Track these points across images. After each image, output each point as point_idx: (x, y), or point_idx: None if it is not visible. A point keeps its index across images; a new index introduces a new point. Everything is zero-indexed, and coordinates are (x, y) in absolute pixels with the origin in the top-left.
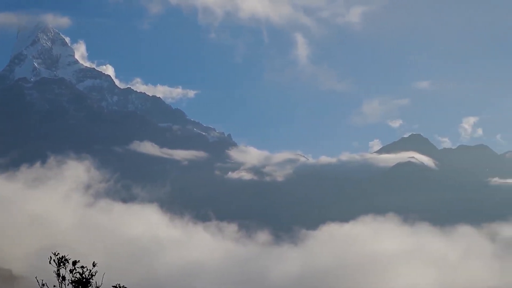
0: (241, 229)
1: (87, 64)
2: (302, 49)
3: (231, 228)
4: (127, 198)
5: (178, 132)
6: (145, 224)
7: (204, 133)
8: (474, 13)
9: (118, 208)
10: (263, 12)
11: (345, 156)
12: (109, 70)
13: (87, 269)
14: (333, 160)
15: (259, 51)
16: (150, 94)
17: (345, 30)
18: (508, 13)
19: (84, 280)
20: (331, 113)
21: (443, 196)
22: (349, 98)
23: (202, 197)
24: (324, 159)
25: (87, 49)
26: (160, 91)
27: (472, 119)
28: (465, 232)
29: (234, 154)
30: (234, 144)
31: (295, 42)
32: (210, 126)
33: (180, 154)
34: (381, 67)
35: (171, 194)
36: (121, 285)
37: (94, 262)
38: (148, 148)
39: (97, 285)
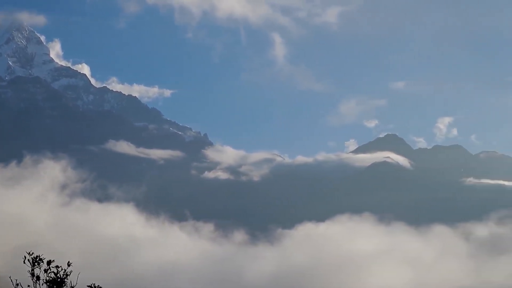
0: (217, 229)
1: (63, 63)
2: (279, 49)
3: (208, 227)
4: (103, 197)
5: (154, 131)
6: (121, 224)
7: (180, 133)
8: (449, 14)
9: (94, 207)
10: (240, 12)
11: (321, 156)
12: (84, 69)
13: (61, 269)
14: (309, 160)
15: (237, 51)
16: (126, 93)
17: (322, 30)
18: (483, 14)
19: (58, 280)
20: (308, 113)
21: (418, 196)
22: (326, 98)
23: (178, 196)
24: (300, 159)
25: (63, 48)
26: (136, 90)
27: (447, 120)
28: (440, 232)
29: (211, 153)
30: (210, 144)
31: (272, 42)
32: (186, 125)
33: (156, 153)
34: (358, 67)
35: (147, 194)
36: (96, 285)
37: (69, 261)
38: (124, 147)
39: (72, 285)
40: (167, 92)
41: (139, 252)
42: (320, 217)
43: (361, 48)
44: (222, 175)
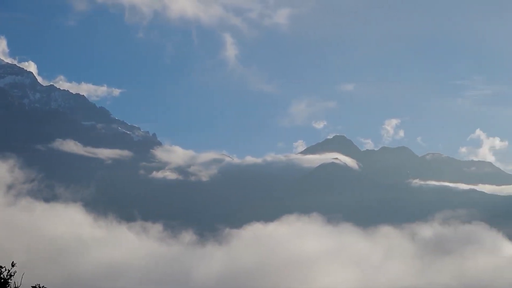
0: (166, 229)
1: (8, 60)
2: (231, 49)
3: (156, 228)
4: (50, 197)
5: (103, 130)
6: (68, 224)
7: (129, 132)
8: (399, 18)
9: (41, 207)
10: (192, 12)
11: (270, 157)
12: (31, 67)
13: (5, 269)
14: (258, 160)
15: (188, 51)
16: (74, 92)
17: (273, 32)
18: (432, 18)
19: (2, 280)
20: (258, 114)
21: (365, 197)
22: (277, 99)
23: (126, 196)
24: (249, 159)
25: (8, 45)
26: (84, 89)
27: (394, 121)
28: (387, 232)
29: (159, 153)
30: (159, 144)
31: (224, 42)
32: (135, 125)
33: (104, 153)
34: (309, 69)
35: (95, 194)
36: (40, 285)
37: (13, 262)
38: (72, 146)
39: (16, 286)
40: (116, 91)
41: (86, 252)
42: (269, 217)
43: (311, 50)
44: (171, 175)
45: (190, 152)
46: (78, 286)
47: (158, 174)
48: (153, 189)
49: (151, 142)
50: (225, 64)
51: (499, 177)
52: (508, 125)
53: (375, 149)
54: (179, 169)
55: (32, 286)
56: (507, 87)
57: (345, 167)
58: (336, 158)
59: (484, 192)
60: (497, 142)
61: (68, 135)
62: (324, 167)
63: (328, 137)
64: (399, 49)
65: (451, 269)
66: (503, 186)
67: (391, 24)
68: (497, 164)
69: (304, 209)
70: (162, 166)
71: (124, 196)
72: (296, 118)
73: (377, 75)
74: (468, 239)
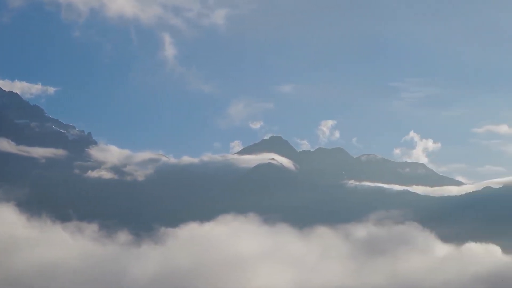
0: (101, 229)
1: None
2: (170, 49)
3: (92, 228)
4: None
5: (36, 129)
6: (0, 224)
7: (63, 131)
8: (336, 20)
9: None
10: (131, 11)
11: (207, 157)
12: None
13: None
14: (195, 160)
15: (126, 50)
16: (7, 90)
17: (211, 32)
18: (368, 21)
19: None
20: (196, 114)
21: (301, 197)
22: (215, 100)
23: (61, 196)
24: (186, 159)
25: None
26: (18, 87)
27: (330, 122)
28: (322, 233)
29: (95, 152)
30: (94, 143)
31: (163, 42)
32: (70, 124)
33: (38, 152)
34: (248, 70)
35: (29, 193)
36: None
37: None
38: (4, 145)
39: None
40: (51, 90)
41: (18, 252)
42: (205, 217)
43: (250, 51)
44: (106, 175)
45: (126, 152)
46: (11, 287)
47: (94, 174)
48: (89, 188)
49: (86, 141)
50: (164, 63)
51: (432, 179)
52: (441, 127)
53: (311, 150)
54: (115, 169)
55: None
56: (440, 89)
57: (281, 168)
58: (273, 159)
59: (417, 193)
60: (430, 144)
61: (1, 133)
62: (260, 167)
63: (265, 137)
64: (336, 51)
65: (385, 269)
66: (435, 188)
67: (329, 27)
68: (430, 166)
69: (240, 209)
70: (97, 165)
71: (59, 196)
72: (234, 118)
73: (315, 76)
74: (401, 240)
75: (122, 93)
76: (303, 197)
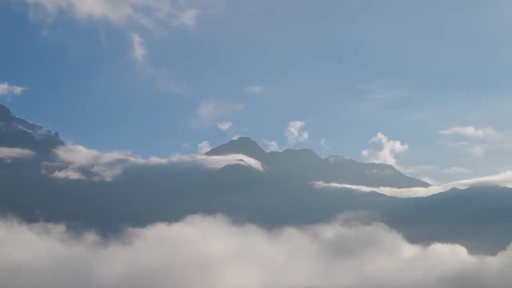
0: (68, 230)
1: None
2: (139, 49)
3: (59, 229)
4: None
5: (2, 129)
6: None
7: (30, 131)
8: (305, 22)
9: None
10: (100, 11)
11: (175, 158)
12: None
13: None
14: (163, 161)
15: (95, 50)
16: None
17: (181, 32)
18: (337, 23)
19: None
20: (165, 115)
21: (270, 198)
22: (184, 100)
23: (28, 197)
24: (154, 159)
25: None
26: None
27: (298, 123)
28: (291, 234)
29: (62, 153)
30: (61, 143)
31: (132, 42)
32: (36, 124)
33: (4, 152)
34: (218, 71)
35: None
36: None
37: None
38: None
39: None
40: (17, 90)
41: None
42: (173, 217)
43: (220, 52)
44: (74, 175)
45: (94, 152)
46: None
47: (61, 174)
48: (56, 189)
49: (53, 141)
50: (133, 64)
51: (399, 180)
52: (408, 129)
53: (280, 151)
54: (82, 169)
55: None
56: (408, 92)
57: (249, 169)
58: (241, 160)
59: (384, 194)
60: (397, 146)
61: None
62: (229, 168)
63: (233, 138)
64: (306, 53)
65: (352, 270)
66: (403, 189)
67: (298, 29)
68: (397, 167)
69: (209, 210)
70: (64, 165)
71: (25, 196)
72: (203, 119)
73: (284, 77)
74: (368, 240)
75: (89, 93)
76: (272, 198)
